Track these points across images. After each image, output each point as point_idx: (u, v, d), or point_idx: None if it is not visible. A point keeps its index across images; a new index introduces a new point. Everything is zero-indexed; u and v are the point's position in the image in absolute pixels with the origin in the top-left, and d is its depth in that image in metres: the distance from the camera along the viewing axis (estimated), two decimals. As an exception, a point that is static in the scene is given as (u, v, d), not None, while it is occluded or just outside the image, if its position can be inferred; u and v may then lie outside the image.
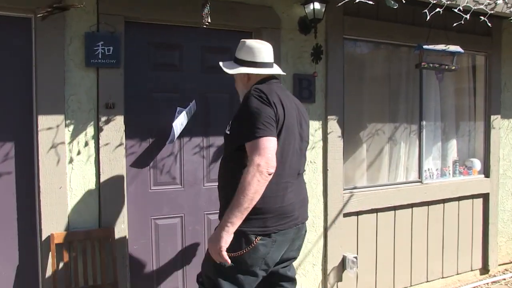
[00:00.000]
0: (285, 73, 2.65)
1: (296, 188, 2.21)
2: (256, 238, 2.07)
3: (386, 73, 4.15)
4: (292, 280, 2.41)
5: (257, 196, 1.97)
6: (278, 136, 2.07)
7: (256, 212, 2.03)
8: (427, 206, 4.19)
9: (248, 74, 2.29)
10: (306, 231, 2.39)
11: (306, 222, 2.37)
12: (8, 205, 2.76)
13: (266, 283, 2.32)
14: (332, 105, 3.60)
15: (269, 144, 1.99)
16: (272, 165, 1.97)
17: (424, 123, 4.23)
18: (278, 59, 3.36)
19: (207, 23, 2.37)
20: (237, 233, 2.03)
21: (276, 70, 2.36)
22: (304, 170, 2.36)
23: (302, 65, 3.49)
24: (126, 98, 2.99)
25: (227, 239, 2.00)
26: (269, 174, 1.97)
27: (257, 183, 1.94)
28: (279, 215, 2.10)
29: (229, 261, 2.02)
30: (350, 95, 3.83)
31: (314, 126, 3.55)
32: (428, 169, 4.29)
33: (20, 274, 2.81)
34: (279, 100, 2.11)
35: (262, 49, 2.27)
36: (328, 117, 3.58)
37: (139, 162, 3.10)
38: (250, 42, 2.31)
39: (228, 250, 2.02)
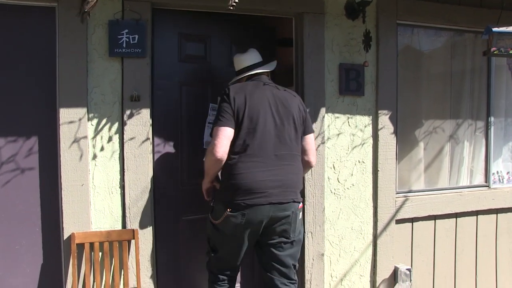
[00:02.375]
0: (272, 68, 2.74)
1: (272, 169, 2.44)
2: (227, 209, 2.41)
3: (447, 63, 3.68)
4: (286, 267, 2.53)
5: (211, 171, 2.52)
6: (240, 125, 2.42)
7: (226, 186, 2.45)
8: (495, 214, 3.68)
9: (238, 80, 2.74)
10: (296, 213, 2.51)
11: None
12: (32, 201, 2.65)
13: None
14: (383, 98, 3.21)
15: (220, 133, 2.40)
16: (217, 150, 2.38)
17: (492, 119, 3.71)
18: (321, 48, 3.04)
19: (234, 3, 2.11)
20: (216, 205, 2.51)
21: (257, 70, 2.68)
22: (296, 154, 2.54)
23: (350, 54, 3.13)
24: (153, 91, 2.79)
25: (204, 186, 2.64)
26: (218, 156, 2.38)
27: (209, 162, 2.47)
28: (246, 190, 2.38)
29: (205, 197, 2.68)
30: (405, 87, 3.42)
31: (363, 122, 3.18)
32: (497, 172, 3.77)
33: (44, 273, 2.69)
34: (243, 96, 2.46)
35: (241, 58, 2.75)
36: (379, 111, 3.19)
37: (167, 158, 2.89)
38: (235, 56, 2.80)
39: (212, 218, 2.52)
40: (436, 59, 3.67)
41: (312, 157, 2.68)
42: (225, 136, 2.40)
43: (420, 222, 3.42)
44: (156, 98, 2.83)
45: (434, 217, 3.45)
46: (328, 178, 3.10)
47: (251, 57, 2.74)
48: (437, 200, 3.45)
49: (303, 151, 2.64)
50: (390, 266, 3.30)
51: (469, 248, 3.60)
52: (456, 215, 3.53)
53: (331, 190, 3.12)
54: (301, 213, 2.59)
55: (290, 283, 2.55)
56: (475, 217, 3.61)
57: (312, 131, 2.70)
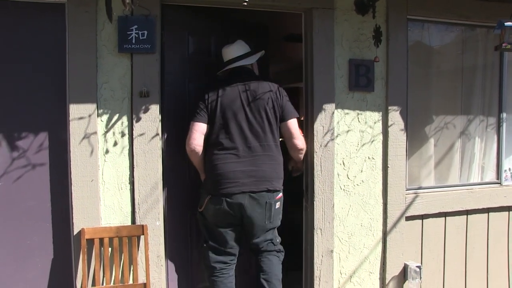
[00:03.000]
0: (252, 62, 2.86)
1: (244, 160, 2.65)
2: (207, 197, 2.69)
3: (458, 58, 3.63)
4: (268, 251, 2.79)
5: (193, 163, 2.77)
6: (213, 120, 2.67)
7: (206, 177, 2.74)
8: (507, 212, 3.64)
9: (223, 72, 2.88)
10: (270, 202, 2.67)
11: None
12: (43, 197, 2.66)
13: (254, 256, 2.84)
14: (393, 94, 3.18)
15: (193, 127, 2.67)
16: (190, 142, 2.66)
17: (504, 115, 3.67)
18: (331, 43, 3.02)
19: (246, 1, 2.10)
20: (201, 194, 2.78)
21: (237, 64, 2.81)
22: (271, 144, 2.69)
23: (359, 49, 3.10)
24: (162, 87, 2.79)
25: (201, 178, 2.84)
26: (191, 147, 2.66)
27: (188, 153, 2.71)
28: (220, 180, 2.63)
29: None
30: (415, 83, 3.38)
31: (373, 118, 3.15)
32: (509, 169, 3.72)
33: (55, 268, 2.70)
34: (216, 93, 2.68)
35: (226, 51, 2.86)
36: (389, 107, 3.17)
37: (176, 154, 2.89)
38: (223, 47, 2.89)
39: (199, 206, 2.77)
40: (447, 54, 3.63)
41: (296, 140, 2.78)
42: (197, 130, 2.66)
43: (430, 219, 3.39)
44: (165, 94, 2.83)
45: (444, 214, 3.42)
46: (338, 175, 3.09)
47: (236, 49, 2.86)
48: (448, 197, 3.42)
49: (287, 138, 2.80)
50: (399, 263, 3.28)
51: (480, 246, 3.56)
52: (467, 212, 3.50)
53: (340, 187, 3.10)
54: (279, 203, 2.76)
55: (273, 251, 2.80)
56: (486, 214, 3.57)
57: (293, 117, 2.77)
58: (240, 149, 2.66)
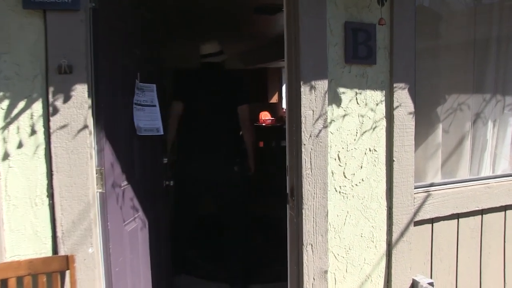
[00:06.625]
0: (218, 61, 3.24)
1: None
2: None
3: (471, 26, 2.97)
4: None
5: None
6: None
7: None
8: (526, 208, 3.05)
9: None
10: None
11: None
12: None
13: None
14: (399, 68, 2.48)
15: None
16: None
17: (524, 94, 3.05)
18: (321, 1, 2.28)
19: None
20: None
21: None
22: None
23: (358, 9, 2.38)
24: (95, 58, 2.00)
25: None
26: None
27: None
28: None
29: None
30: (420, 55, 2.70)
31: (375, 99, 2.45)
32: (527, 158, 3.12)
33: None
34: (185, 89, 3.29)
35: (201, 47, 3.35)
36: (395, 85, 2.47)
37: (116, 153, 2.11)
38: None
39: None
40: (459, 19, 2.96)
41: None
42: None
43: (442, 222, 2.75)
44: (98, 69, 2.03)
45: (457, 216, 2.79)
46: (332, 173, 2.38)
47: (209, 46, 3.33)
48: (462, 195, 2.79)
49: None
50: (407, 279, 2.63)
51: (497, 251, 2.96)
52: (482, 212, 2.88)
53: (335, 188, 2.40)
54: None
55: None
56: (503, 213, 2.96)
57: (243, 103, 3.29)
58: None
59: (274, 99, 8.72)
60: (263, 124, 7.07)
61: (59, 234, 1.91)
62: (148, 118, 2.52)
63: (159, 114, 2.54)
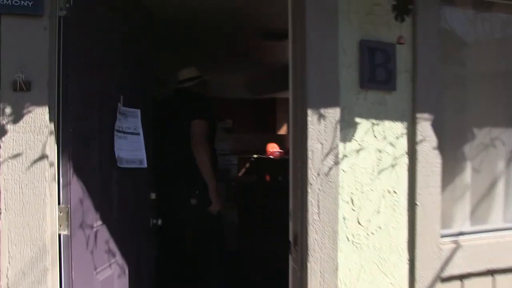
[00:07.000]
0: (190, 85, 3.29)
1: None
2: None
3: (505, 49, 2.63)
4: None
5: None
6: None
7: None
8: None
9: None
10: None
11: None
12: None
13: None
14: (424, 95, 2.13)
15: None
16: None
17: None
18: (332, 14, 1.97)
19: None
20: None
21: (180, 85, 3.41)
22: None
23: (374, 26, 2.06)
24: (63, 73, 1.68)
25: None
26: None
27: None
28: None
29: None
30: (445, 82, 2.35)
31: (395, 131, 2.10)
32: None
33: None
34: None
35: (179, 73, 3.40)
36: (418, 115, 2.12)
37: (88, 187, 1.77)
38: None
39: None
40: (490, 42, 2.62)
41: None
42: None
43: (473, 279, 2.33)
44: (70, 86, 1.71)
45: (491, 272, 2.37)
46: (344, 218, 2.00)
47: (185, 72, 3.36)
48: (496, 247, 2.37)
49: None
50: None
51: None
52: (519, 268, 2.46)
53: (347, 237, 2.01)
54: None
55: None
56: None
57: (194, 118, 3.06)
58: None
59: (283, 131, 8.43)
60: (271, 157, 6.74)
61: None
62: (131, 148, 2.18)
63: (143, 144, 2.21)
